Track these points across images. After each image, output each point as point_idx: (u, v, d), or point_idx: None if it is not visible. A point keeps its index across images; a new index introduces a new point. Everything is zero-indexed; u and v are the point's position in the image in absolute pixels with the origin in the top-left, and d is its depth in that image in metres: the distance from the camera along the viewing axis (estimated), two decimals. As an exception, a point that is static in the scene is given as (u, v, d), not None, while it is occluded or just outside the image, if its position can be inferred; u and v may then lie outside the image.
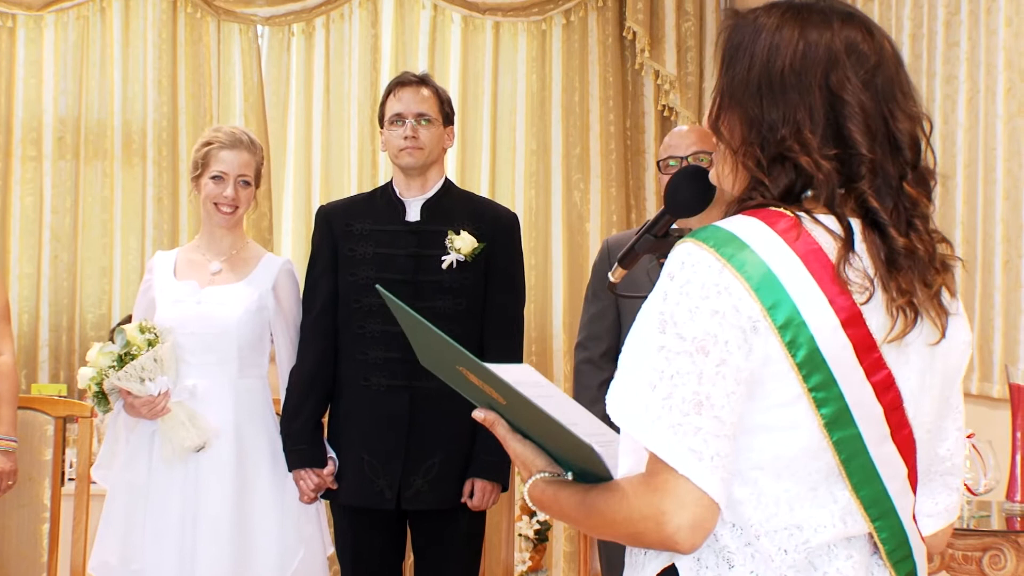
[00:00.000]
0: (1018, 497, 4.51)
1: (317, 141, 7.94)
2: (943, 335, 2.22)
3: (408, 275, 4.74)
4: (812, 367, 2.12)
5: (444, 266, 4.73)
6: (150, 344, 4.70)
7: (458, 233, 4.74)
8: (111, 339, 4.82)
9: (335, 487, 4.82)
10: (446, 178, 4.94)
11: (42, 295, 7.64)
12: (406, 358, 4.39)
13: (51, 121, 7.72)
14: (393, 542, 4.89)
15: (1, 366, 5.26)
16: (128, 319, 6.18)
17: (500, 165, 7.97)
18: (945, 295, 2.24)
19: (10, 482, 5.20)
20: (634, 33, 7.93)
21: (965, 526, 4.28)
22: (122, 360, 4.69)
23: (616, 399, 2.18)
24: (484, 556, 5.49)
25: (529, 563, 7.05)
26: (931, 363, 2.23)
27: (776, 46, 2.25)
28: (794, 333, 2.11)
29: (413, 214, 4.84)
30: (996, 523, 4.37)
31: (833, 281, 2.13)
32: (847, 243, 2.15)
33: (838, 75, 2.20)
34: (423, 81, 4.90)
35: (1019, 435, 4.51)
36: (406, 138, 4.78)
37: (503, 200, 7.73)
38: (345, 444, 4.82)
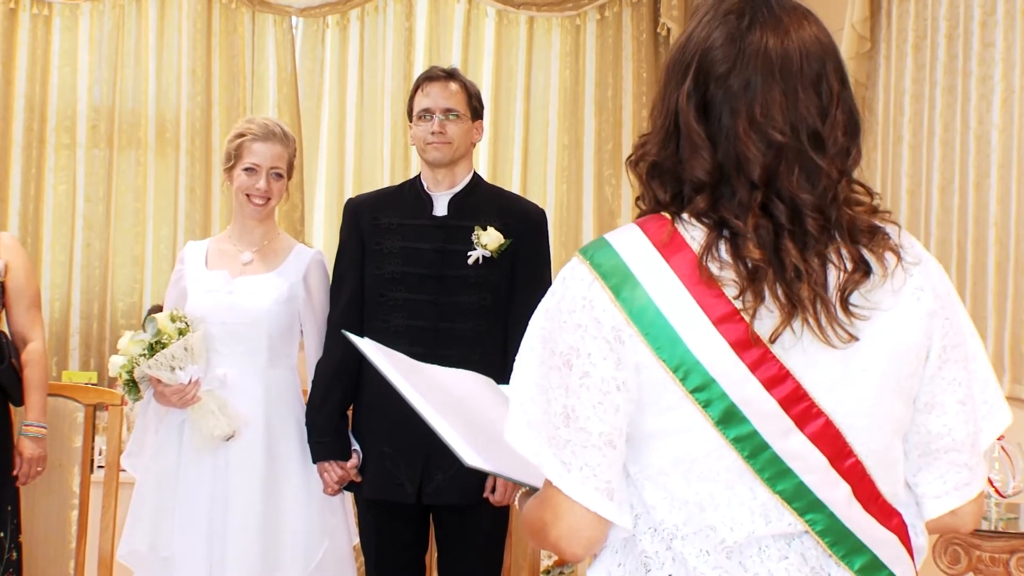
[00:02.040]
0: (1046, 499, 4.50)
1: (350, 133, 7.96)
2: (848, 339, 2.12)
3: (434, 270, 4.73)
4: (687, 370, 2.10)
5: (470, 261, 4.72)
6: (181, 333, 4.71)
7: (484, 229, 4.73)
8: (143, 327, 4.83)
9: (359, 480, 4.82)
10: (475, 173, 4.93)
11: (74, 283, 7.68)
12: (429, 352, 4.38)
13: (85, 110, 7.76)
14: (416, 536, 4.88)
15: (32, 353, 5.28)
16: (157, 308, 6.19)
17: (532, 160, 7.98)
18: (876, 293, 2.16)
19: (40, 468, 5.22)
20: (668, 29, 7.93)
21: (993, 528, 4.27)
22: (153, 348, 4.70)
23: (508, 413, 2.22)
24: (510, 551, 5.49)
25: (555, 558, 7.05)
26: (854, 350, 2.14)
27: (675, 42, 2.26)
28: (661, 339, 2.10)
29: (440, 209, 4.83)
30: (1025, 525, 4.36)
31: (703, 282, 2.11)
32: (711, 237, 2.12)
33: (682, 89, 2.17)
34: (451, 76, 4.88)
35: (1048, 437, 4.49)
36: (433, 133, 4.78)
37: (534, 194, 7.74)
38: (368, 438, 4.82)
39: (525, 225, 4.80)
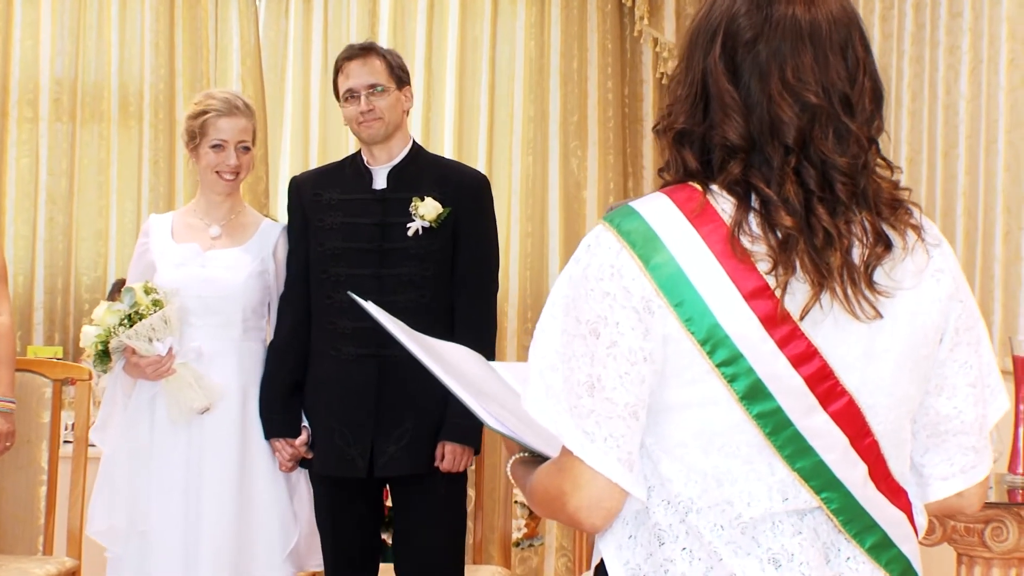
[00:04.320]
0: (1020, 469, 4.50)
1: (314, 105, 7.92)
2: (874, 315, 2.13)
3: (374, 244, 4.74)
4: (715, 343, 2.09)
5: (409, 233, 4.72)
6: (155, 304, 4.70)
7: (423, 199, 4.73)
8: (120, 298, 4.80)
9: (309, 456, 4.83)
10: (413, 142, 4.92)
11: (37, 257, 7.62)
12: (375, 327, 4.39)
13: (47, 83, 7.69)
14: (371, 510, 4.88)
15: (-1, 327, 5.25)
16: (122, 282, 6.16)
17: (498, 132, 7.95)
18: (898, 270, 2.17)
19: (8, 443, 5.19)
20: (633, 0, 7.90)
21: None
22: (130, 319, 4.68)
23: (527, 382, 2.21)
24: (481, 523, 5.49)
25: (525, 530, 7.06)
26: (878, 329, 2.16)
27: (697, 12, 2.26)
28: (691, 311, 2.09)
29: (380, 182, 4.84)
30: (998, 495, 4.37)
31: (735, 256, 2.10)
32: (741, 211, 2.12)
33: (711, 54, 2.17)
34: (368, 50, 4.86)
35: (1022, 407, 4.49)
36: (362, 112, 4.78)
37: (500, 167, 7.73)
38: (317, 414, 4.83)
39: (463, 192, 4.81)
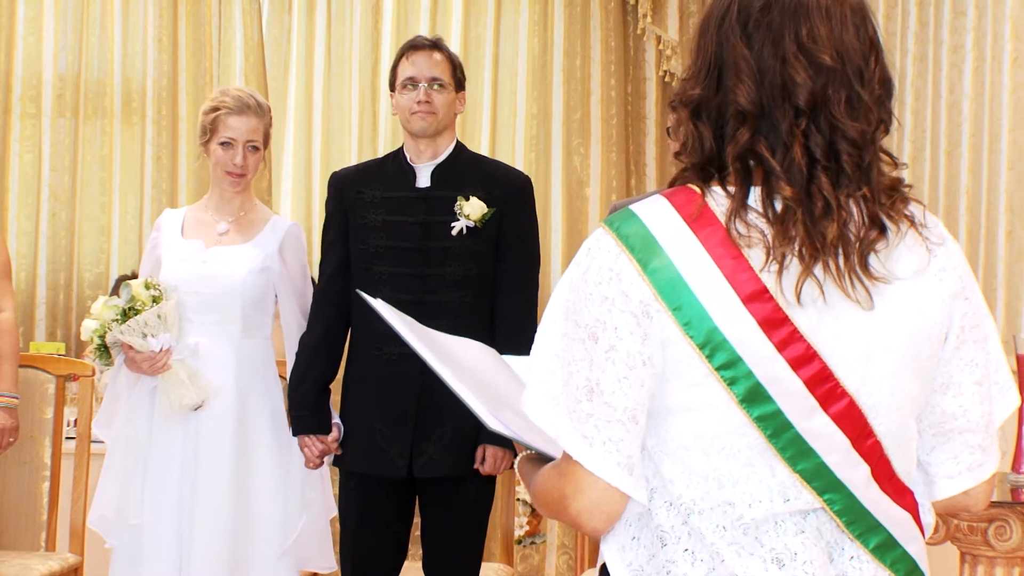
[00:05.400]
0: (1024, 468, 4.51)
1: (318, 102, 7.92)
2: (867, 298, 2.12)
3: (418, 242, 4.71)
4: (714, 347, 2.09)
5: (454, 232, 4.70)
6: (155, 300, 4.70)
7: (467, 199, 4.71)
8: (117, 294, 4.81)
9: (340, 452, 4.81)
10: (457, 142, 4.89)
11: (40, 253, 7.63)
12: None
13: (51, 78, 7.70)
14: (401, 510, 4.85)
15: (2, 323, 5.25)
16: (125, 278, 6.17)
17: (501, 129, 7.95)
18: (892, 259, 2.16)
19: (11, 439, 5.20)
20: (636, -3, 7.91)
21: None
22: (126, 314, 4.69)
23: (527, 385, 2.22)
24: (484, 520, 5.50)
25: (527, 528, 7.06)
26: (876, 325, 2.14)
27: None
28: (690, 315, 2.09)
29: (423, 180, 4.80)
30: (1001, 495, 4.37)
31: (732, 257, 2.09)
32: (737, 202, 2.11)
33: (725, 23, 2.17)
34: (436, 45, 4.85)
35: (1025, 406, 4.49)
36: (419, 103, 4.75)
37: (503, 164, 7.72)
38: (357, 411, 4.80)
39: (508, 193, 4.79)
